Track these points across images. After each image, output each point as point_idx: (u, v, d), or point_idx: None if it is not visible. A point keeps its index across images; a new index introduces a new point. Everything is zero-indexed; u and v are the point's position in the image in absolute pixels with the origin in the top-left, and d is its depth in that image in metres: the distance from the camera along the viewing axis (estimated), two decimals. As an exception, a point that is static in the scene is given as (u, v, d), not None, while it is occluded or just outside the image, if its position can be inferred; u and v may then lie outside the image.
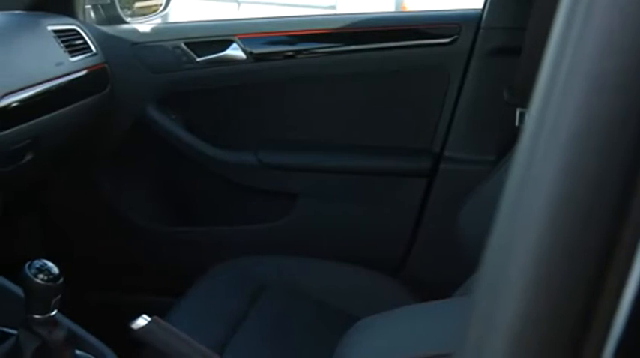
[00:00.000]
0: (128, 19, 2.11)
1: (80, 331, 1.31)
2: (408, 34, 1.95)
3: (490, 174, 1.58)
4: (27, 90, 1.60)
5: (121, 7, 2.09)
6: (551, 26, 0.40)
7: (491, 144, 1.86)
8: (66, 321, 1.28)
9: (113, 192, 2.09)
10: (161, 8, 2.25)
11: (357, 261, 1.80)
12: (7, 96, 1.51)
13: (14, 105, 1.53)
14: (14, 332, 1.24)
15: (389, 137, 1.98)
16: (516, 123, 1.54)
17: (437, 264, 1.90)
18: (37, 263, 1.17)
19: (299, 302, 1.66)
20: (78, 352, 1.27)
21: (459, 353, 0.43)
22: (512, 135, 1.56)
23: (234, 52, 1.95)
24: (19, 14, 1.83)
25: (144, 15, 2.21)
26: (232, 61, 1.96)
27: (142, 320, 1.18)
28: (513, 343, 0.40)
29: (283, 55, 2.00)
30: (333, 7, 8.29)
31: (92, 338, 1.31)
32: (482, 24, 1.87)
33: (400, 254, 1.98)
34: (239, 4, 9.13)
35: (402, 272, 1.96)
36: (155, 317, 1.18)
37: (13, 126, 1.52)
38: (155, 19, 2.23)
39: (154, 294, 2.02)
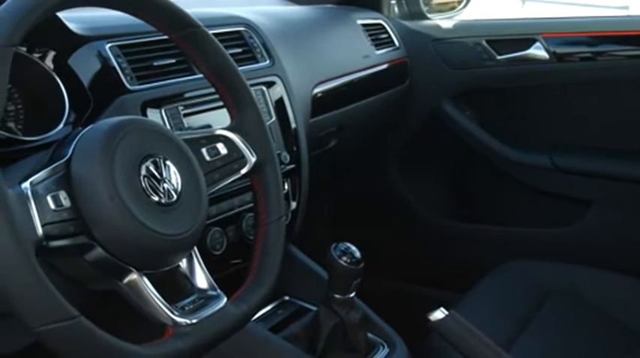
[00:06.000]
0: (429, 15, 2.15)
1: (373, 316, 1.35)
2: None
3: None
4: (336, 80, 1.69)
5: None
6: None
7: None
8: (362, 305, 1.33)
9: (403, 184, 2.14)
10: (460, 6, 2.26)
11: None
12: (319, 85, 1.60)
13: (324, 94, 1.62)
14: (314, 308, 1.31)
15: None
16: None
17: None
18: (342, 245, 1.23)
19: (585, 313, 1.59)
20: (370, 335, 1.32)
21: None
22: None
23: (537, 51, 1.90)
24: (331, 8, 1.94)
25: (440, 12, 2.23)
26: (534, 61, 1.92)
27: (440, 313, 1.19)
28: None
29: (585, 56, 1.92)
30: (626, 8, 7.79)
31: (384, 324, 1.35)
32: None
33: None
34: (523, 1, 8.92)
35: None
36: (452, 311, 1.19)
37: (322, 114, 1.61)
38: (452, 16, 2.24)
39: (435, 288, 2.05)
